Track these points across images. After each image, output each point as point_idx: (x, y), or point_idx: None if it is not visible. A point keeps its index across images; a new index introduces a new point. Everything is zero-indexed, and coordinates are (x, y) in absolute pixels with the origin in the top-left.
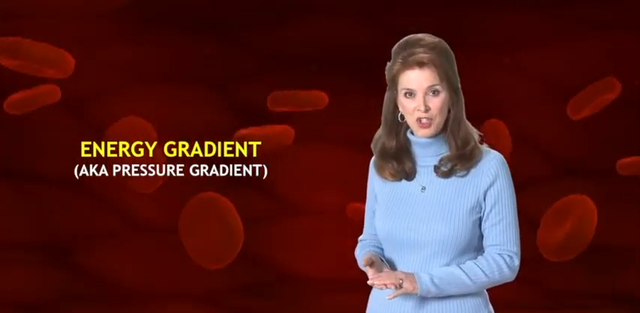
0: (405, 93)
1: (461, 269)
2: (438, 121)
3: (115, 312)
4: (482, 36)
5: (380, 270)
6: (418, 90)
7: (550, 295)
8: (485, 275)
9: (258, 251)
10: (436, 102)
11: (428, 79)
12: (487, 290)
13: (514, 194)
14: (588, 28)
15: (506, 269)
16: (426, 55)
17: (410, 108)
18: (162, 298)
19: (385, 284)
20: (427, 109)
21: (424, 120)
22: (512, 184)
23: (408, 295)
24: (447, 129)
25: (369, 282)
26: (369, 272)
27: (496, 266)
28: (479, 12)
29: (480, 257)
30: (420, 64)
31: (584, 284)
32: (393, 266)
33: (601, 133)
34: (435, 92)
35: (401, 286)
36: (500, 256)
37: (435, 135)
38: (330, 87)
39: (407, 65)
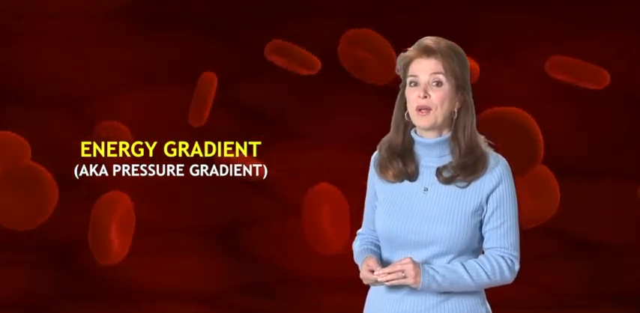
0: (410, 83)
1: (464, 268)
2: (438, 114)
3: (115, 312)
4: (483, 36)
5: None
6: (422, 78)
7: (549, 295)
8: (487, 275)
9: (259, 251)
10: (438, 93)
11: (432, 67)
12: (485, 289)
13: (516, 198)
14: (588, 28)
15: (507, 272)
16: (433, 44)
17: (411, 98)
18: (163, 298)
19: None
20: (426, 96)
21: (422, 109)
22: (515, 189)
23: (408, 292)
24: (450, 133)
25: (371, 277)
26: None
27: (498, 267)
28: (479, 12)
29: (482, 258)
30: (427, 52)
31: (584, 284)
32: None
33: (602, 133)
34: (439, 83)
35: (403, 277)
36: (503, 258)
37: (438, 135)
38: (330, 86)
39: (416, 53)
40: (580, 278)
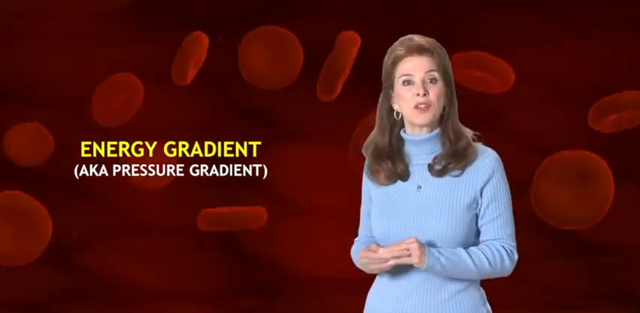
0: (404, 82)
1: (467, 253)
2: (435, 110)
3: (115, 312)
4: (482, 36)
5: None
6: (417, 76)
7: (549, 295)
8: (489, 262)
9: (258, 251)
10: (434, 89)
11: (426, 65)
12: (485, 288)
13: (509, 190)
14: (588, 28)
15: (507, 261)
16: (424, 41)
17: (407, 96)
18: (163, 298)
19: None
20: (425, 93)
21: (422, 106)
22: (507, 181)
23: (409, 293)
24: (440, 128)
25: (371, 256)
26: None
27: (499, 256)
28: (479, 12)
29: (483, 246)
30: (420, 50)
31: (584, 284)
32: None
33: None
34: (433, 80)
35: (408, 256)
36: (503, 248)
37: (429, 132)
38: (331, 87)
39: (407, 51)
40: (580, 278)
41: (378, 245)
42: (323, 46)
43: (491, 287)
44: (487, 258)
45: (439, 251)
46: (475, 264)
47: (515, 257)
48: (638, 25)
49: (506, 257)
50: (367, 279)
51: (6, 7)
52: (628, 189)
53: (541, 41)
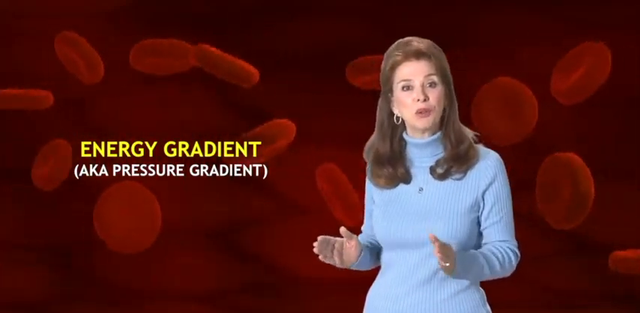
0: (403, 87)
1: (483, 256)
2: (436, 113)
3: (115, 312)
4: (482, 36)
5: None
6: (416, 81)
7: (549, 295)
8: (500, 264)
9: (259, 251)
10: (434, 93)
11: (425, 69)
12: (485, 288)
13: (510, 191)
14: (588, 28)
15: (514, 263)
16: (422, 45)
17: (408, 102)
18: (163, 298)
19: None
20: (426, 98)
21: (423, 111)
22: (508, 182)
23: (408, 292)
24: (441, 130)
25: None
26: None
27: (507, 258)
28: (479, 12)
29: (493, 249)
30: (417, 55)
31: (584, 284)
32: (391, 266)
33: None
34: (433, 84)
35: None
36: (510, 250)
37: (431, 135)
38: (330, 87)
39: (405, 57)
40: (580, 278)
41: (374, 246)
42: (325, 46)
43: (491, 287)
44: (499, 261)
45: (464, 261)
46: (489, 267)
47: (519, 254)
48: (638, 25)
49: (514, 259)
50: (367, 279)
51: (6, 7)
52: (631, 189)
53: (541, 41)
